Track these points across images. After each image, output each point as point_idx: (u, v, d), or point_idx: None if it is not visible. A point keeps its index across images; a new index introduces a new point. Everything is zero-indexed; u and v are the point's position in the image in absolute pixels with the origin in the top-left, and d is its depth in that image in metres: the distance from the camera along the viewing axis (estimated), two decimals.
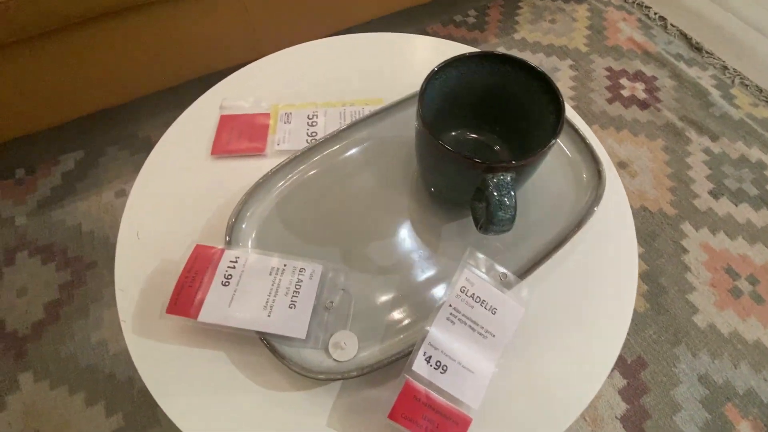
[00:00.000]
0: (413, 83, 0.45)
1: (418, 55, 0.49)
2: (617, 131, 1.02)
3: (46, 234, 0.88)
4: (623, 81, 1.10)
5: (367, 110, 0.42)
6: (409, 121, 0.40)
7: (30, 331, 0.77)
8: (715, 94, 1.08)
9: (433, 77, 0.32)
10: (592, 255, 0.35)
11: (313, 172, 0.38)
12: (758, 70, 1.12)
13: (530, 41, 1.18)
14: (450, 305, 0.28)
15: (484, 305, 0.29)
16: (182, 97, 1.06)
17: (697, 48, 1.17)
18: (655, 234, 0.87)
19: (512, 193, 0.26)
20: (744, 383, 0.72)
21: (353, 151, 0.39)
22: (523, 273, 0.31)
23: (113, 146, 1.01)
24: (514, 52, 1.16)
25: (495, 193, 0.26)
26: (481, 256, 0.30)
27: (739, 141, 1.00)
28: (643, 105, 1.06)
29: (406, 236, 0.35)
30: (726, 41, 1.18)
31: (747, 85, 1.10)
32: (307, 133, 0.40)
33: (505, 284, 0.30)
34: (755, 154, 0.98)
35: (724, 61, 1.14)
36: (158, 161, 0.41)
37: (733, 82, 1.10)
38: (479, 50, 0.34)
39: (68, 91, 0.82)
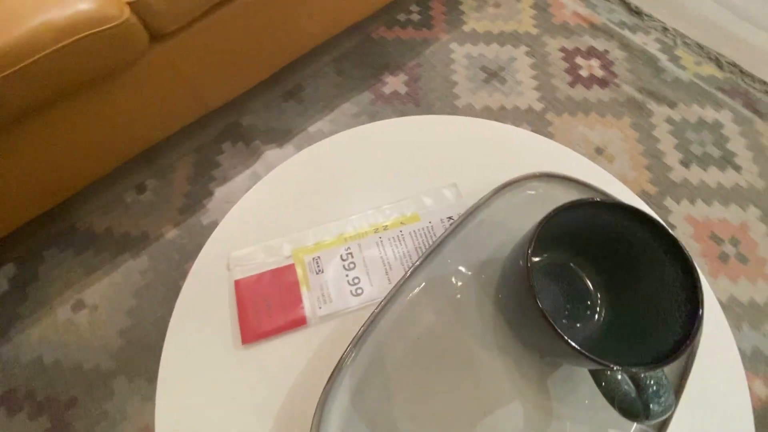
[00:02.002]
0: (445, 178, 0.40)
1: (444, 144, 0.43)
2: (586, 116, 1.02)
3: (0, 379, 0.74)
4: (579, 60, 1.10)
5: (408, 233, 0.36)
6: (481, 239, 0.35)
7: None
8: (663, 59, 1.11)
9: (543, 226, 0.26)
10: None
11: (383, 342, 0.31)
12: (695, 27, 1.17)
13: (481, 32, 1.14)
14: None
15: None
16: (122, 174, 0.91)
17: (637, 12, 1.19)
18: None
19: (665, 391, 0.23)
20: (749, 344, 0.78)
21: (417, 300, 0.33)
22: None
23: (51, 249, 0.86)
24: (468, 47, 1.11)
25: (649, 392, 0.23)
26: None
27: (694, 104, 1.04)
28: (603, 83, 1.07)
29: (514, 405, 0.30)
30: (660, 1, 1.21)
31: (688, 44, 1.14)
32: (349, 281, 0.34)
33: None
34: (710, 114, 1.03)
35: (663, 23, 1.17)
36: (174, 371, 0.33)
37: (675, 43, 1.14)
38: (601, 198, 0.28)
39: None
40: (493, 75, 1.07)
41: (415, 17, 1.15)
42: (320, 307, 0.33)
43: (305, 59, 1.05)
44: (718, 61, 1.12)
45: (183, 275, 0.82)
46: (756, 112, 1.04)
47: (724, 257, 0.86)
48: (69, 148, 0.68)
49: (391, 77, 1.06)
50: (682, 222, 0.90)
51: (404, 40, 1.11)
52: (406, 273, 0.32)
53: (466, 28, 1.14)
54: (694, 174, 0.95)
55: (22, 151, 0.62)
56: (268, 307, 0.33)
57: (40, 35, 0.50)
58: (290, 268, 0.35)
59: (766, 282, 0.85)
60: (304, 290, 0.34)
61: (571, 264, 0.32)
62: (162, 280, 0.82)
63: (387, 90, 1.04)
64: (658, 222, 0.27)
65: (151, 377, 0.75)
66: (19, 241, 0.86)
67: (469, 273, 0.34)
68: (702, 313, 0.24)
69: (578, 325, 0.31)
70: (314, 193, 0.40)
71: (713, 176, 0.95)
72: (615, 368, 0.23)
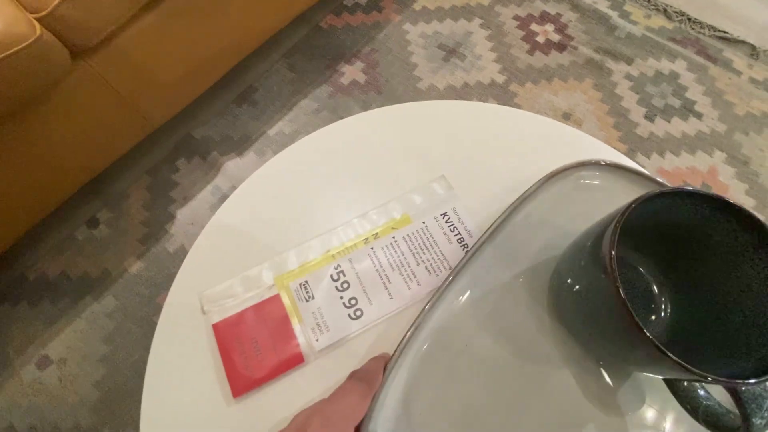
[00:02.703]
0: (431, 171, 0.36)
1: (420, 133, 0.39)
2: (549, 83, 1.01)
3: None
4: (534, 27, 1.08)
5: (401, 238, 0.33)
6: (520, 235, 0.32)
7: None
8: (614, 16, 1.11)
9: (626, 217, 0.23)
10: None
11: (419, 369, 0.28)
12: None
13: (432, 8, 1.10)
14: None
15: None
16: (69, 210, 0.82)
17: None
18: None
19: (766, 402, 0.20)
20: None
21: (456, 314, 0.30)
22: None
23: (2, 304, 0.77)
24: (421, 26, 1.07)
25: (752, 406, 0.20)
26: None
27: (650, 57, 1.05)
28: (560, 47, 1.06)
29: (582, 421, 0.28)
30: None
31: None
32: (345, 303, 0.30)
33: None
34: (666, 66, 1.05)
35: None
36: None
37: None
38: (684, 187, 0.25)
39: None
40: (451, 52, 1.04)
41: (363, 1, 1.10)
42: (317, 340, 0.29)
43: (253, 58, 0.98)
44: (666, 12, 1.13)
45: (156, 310, 0.76)
46: (708, 58, 1.07)
47: None
48: (1, 190, 0.60)
49: (348, 66, 1.01)
50: (655, 175, 0.91)
51: (355, 26, 1.06)
52: (441, 286, 0.28)
53: (416, 6, 1.10)
54: (660, 127, 0.97)
55: None
56: (256, 349, 0.29)
57: None
58: (275, 299, 0.30)
59: None
60: (295, 323, 0.30)
61: (630, 260, 0.30)
62: (133, 319, 0.75)
63: (345, 80, 0.99)
64: (751, 213, 0.23)
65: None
66: None
67: (517, 278, 0.31)
68: None
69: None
70: (289, 206, 0.35)
71: (677, 126, 0.97)
72: (710, 379, 0.20)
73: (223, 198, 0.85)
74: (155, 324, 0.76)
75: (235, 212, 0.35)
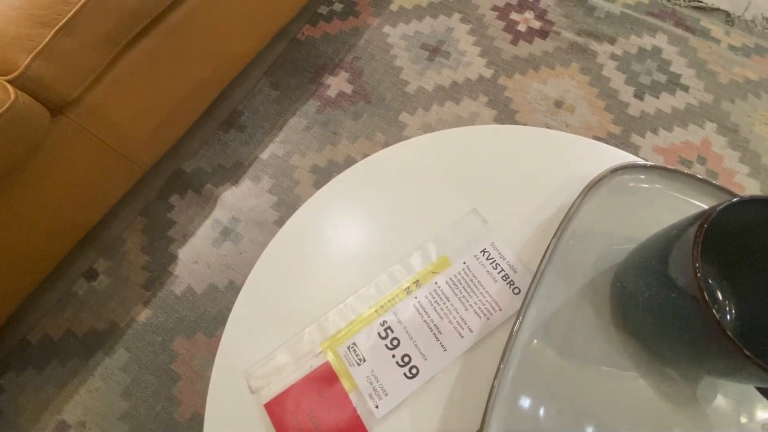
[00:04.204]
0: (459, 203, 0.35)
1: (441, 165, 0.38)
2: (536, 72, 1.00)
3: None
4: (513, 16, 1.07)
5: (444, 283, 0.31)
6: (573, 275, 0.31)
7: None
8: None
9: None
10: None
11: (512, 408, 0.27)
12: None
13: (409, 8, 1.07)
14: None
15: None
16: (64, 265, 0.79)
17: None
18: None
19: None
20: None
21: (531, 352, 0.29)
22: None
23: (7, 374, 0.73)
24: (401, 27, 1.05)
25: None
26: None
27: (631, 35, 1.05)
28: (543, 34, 1.05)
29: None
30: None
31: None
32: (398, 362, 0.29)
33: None
34: (647, 41, 1.05)
35: None
36: None
37: None
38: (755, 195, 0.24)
39: None
40: (435, 51, 1.02)
41: (338, 7, 1.07)
42: (377, 406, 0.28)
43: (234, 81, 0.94)
44: None
45: (172, 357, 0.73)
46: (687, 29, 1.07)
47: None
48: (10, 258, 0.56)
49: (332, 78, 0.98)
50: (652, 154, 0.92)
51: (333, 35, 1.03)
52: (510, 338, 0.27)
53: (393, 7, 1.07)
54: (649, 104, 0.97)
55: None
56: (315, 424, 0.27)
57: None
58: (325, 367, 0.29)
59: (740, 191, 0.89)
60: (349, 390, 0.28)
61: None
62: (149, 369, 0.73)
63: (332, 93, 0.96)
64: None
65: None
66: None
67: (579, 298, 0.30)
68: None
69: None
70: (321, 262, 0.34)
71: (666, 102, 0.97)
72: None
73: (225, 231, 0.82)
74: (173, 372, 0.74)
75: (268, 274, 0.33)
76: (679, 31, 1.06)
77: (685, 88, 0.99)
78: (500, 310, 0.30)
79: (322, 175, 0.87)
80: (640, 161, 0.34)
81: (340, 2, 1.07)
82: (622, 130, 0.94)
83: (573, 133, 0.95)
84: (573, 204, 0.31)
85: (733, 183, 0.90)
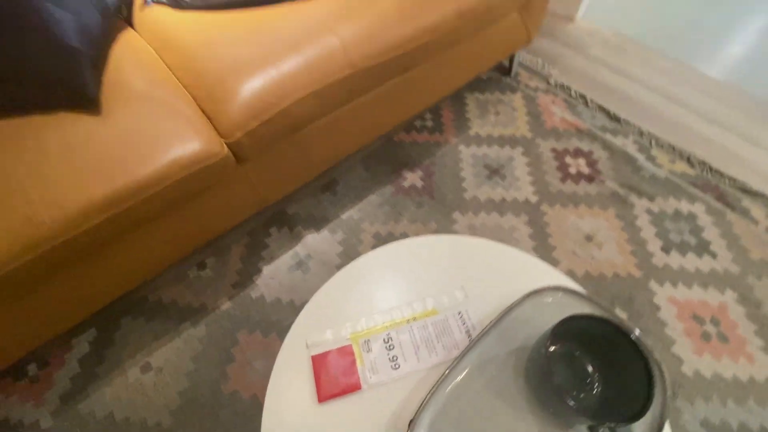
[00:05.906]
0: (456, 282, 0.56)
1: (455, 258, 0.60)
2: (576, 207, 1.20)
3: None
4: (567, 159, 1.30)
5: (430, 323, 0.52)
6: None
7: None
8: (641, 158, 1.31)
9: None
10: None
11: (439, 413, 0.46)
12: (666, 129, 1.38)
13: (483, 135, 1.37)
14: None
15: None
16: (189, 258, 1.10)
17: (616, 118, 1.42)
18: (632, 297, 1.03)
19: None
20: (735, 418, 0.87)
21: (464, 379, 0.48)
22: None
23: (126, 317, 1.02)
24: (473, 148, 1.33)
25: None
26: None
27: (671, 197, 1.22)
28: (589, 179, 1.26)
29: None
30: (635, 108, 1.44)
31: (662, 146, 1.34)
32: (389, 358, 0.49)
33: None
34: (685, 206, 1.20)
35: (639, 127, 1.39)
36: (274, 422, 0.48)
37: (650, 143, 1.34)
38: (593, 313, 0.45)
39: (86, 296, 0.85)
40: (495, 172, 1.28)
41: (429, 123, 1.40)
42: (371, 377, 0.48)
43: (341, 161, 1.28)
44: (689, 160, 1.31)
45: (234, 343, 0.97)
46: (727, 204, 1.21)
47: (707, 336, 0.97)
48: (160, 245, 0.87)
49: (410, 173, 1.27)
50: (666, 303, 1.02)
51: (420, 143, 1.35)
52: (452, 362, 0.47)
53: (471, 132, 1.38)
54: (674, 259, 1.09)
55: (136, 245, 0.81)
56: (335, 376, 0.48)
57: (170, 167, 0.71)
58: (349, 347, 0.50)
59: (748, 360, 0.95)
60: (359, 364, 0.49)
61: (577, 352, 0.48)
62: (216, 347, 0.97)
63: (406, 184, 1.25)
64: (626, 329, 0.43)
65: None
66: (101, 309, 1.03)
67: (507, 356, 0.49)
68: (652, 393, 0.40)
69: (582, 395, 0.45)
70: (365, 291, 0.56)
71: (691, 262, 1.09)
72: (606, 424, 0.37)
73: (300, 263, 1.09)
74: (231, 354, 0.97)
75: (330, 291, 0.57)
76: (718, 205, 1.20)
77: (713, 255, 1.10)
78: (458, 349, 0.50)
79: (380, 241, 1.12)
80: (563, 285, 0.53)
81: (431, 120, 1.41)
82: (643, 275, 1.07)
83: (597, 267, 1.09)
84: (513, 302, 0.51)
85: (745, 352, 0.96)
